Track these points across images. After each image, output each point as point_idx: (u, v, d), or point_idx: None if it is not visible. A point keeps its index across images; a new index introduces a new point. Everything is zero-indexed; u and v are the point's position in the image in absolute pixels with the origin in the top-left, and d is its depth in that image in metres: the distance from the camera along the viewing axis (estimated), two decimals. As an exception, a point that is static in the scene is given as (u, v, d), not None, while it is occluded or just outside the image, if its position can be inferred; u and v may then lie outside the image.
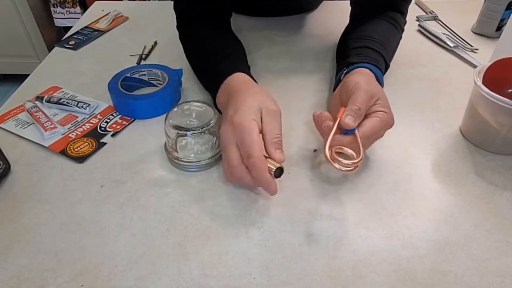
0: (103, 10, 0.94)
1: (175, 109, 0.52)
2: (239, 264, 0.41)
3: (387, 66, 0.61)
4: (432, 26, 0.84)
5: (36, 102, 0.63)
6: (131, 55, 0.78)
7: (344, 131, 0.47)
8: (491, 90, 0.49)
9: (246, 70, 0.57)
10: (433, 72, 0.71)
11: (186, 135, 0.49)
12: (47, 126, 0.58)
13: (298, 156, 0.54)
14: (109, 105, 0.64)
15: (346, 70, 0.55)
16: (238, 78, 0.54)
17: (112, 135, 0.58)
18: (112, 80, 0.63)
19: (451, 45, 0.77)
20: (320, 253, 0.42)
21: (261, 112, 0.46)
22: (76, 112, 0.62)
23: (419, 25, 0.86)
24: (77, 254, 0.42)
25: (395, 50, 0.67)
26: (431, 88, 0.67)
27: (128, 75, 0.65)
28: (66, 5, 2.01)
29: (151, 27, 0.88)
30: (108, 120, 0.61)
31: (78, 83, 0.70)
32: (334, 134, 0.45)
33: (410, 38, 0.81)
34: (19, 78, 1.55)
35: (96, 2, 1.01)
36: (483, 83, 0.51)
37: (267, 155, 0.45)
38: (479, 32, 0.83)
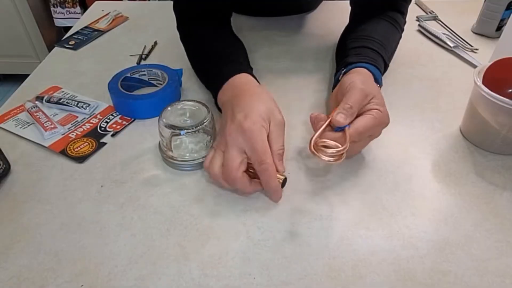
0: (103, 10, 0.94)
1: (168, 108, 0.52)
2: (239, 264, 0.41)
3: (386, 66, 0.61)
4: (432, 26, 0.84)
5: (36, 102, 0.63)
6: (131, 55, 0.78)
7: (335, 128, 0.47)
8: (491, 90, 0.49)
9: (249, 70, 0.57)
10: (433, 72, 0.71)
11: (180, 134, 0.49)
12: (47, 126, 0.58)
13: (298, 156, 0.54)
14: (109, 105, 0.64)
15: (345, 70, 0.56)
16: (241, 79, 0.54)
17: (112, 135, 0.58)
18: (112, 80, 0.63)
19: (451, 45, 0.77)
20: (320, 253, 0.42)
21: (269, 120, 0.47)
22: (76, 112, 0.62)
23: (419, 25, 0.86)
24: (77, 254, 0.42)
25: (394, 50, 0.67)
26: (431, 88, 0.67)
27: (128, 75, 0.65)
28: (66, 5, 2.01)
29: (151, 27, 0.88)
30: (108, 120, 0.61)
31: (78, 83, 0.70)
32: (325, 131, 0.46)
33: (410, 38, 0.81)
34: (19, 78, 1.55)
35: (96, 2, 1.01)
36: (483, 83, 0.51)
37: None
38: (479, 32, 0.83)
